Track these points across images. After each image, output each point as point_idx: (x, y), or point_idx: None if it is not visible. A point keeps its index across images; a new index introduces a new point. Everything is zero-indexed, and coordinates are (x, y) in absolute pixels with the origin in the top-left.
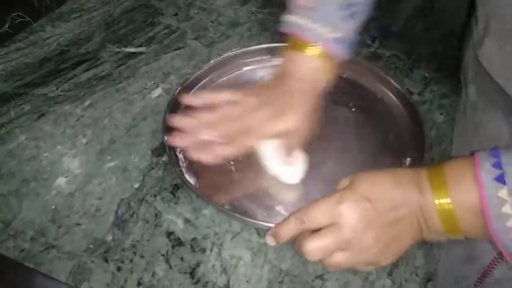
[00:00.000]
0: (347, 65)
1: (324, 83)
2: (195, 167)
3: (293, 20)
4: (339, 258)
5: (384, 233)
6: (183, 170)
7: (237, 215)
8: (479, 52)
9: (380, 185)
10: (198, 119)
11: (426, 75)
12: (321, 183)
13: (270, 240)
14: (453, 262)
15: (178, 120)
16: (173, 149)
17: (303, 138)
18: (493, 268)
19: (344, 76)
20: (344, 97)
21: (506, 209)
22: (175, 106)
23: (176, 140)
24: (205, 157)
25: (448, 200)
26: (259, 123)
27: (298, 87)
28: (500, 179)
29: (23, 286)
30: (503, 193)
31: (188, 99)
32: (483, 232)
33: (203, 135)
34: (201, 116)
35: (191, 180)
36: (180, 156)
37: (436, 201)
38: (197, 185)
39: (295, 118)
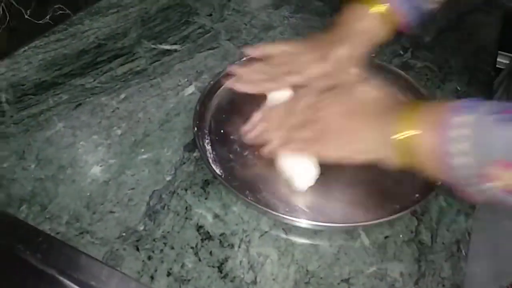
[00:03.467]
0: (378, 73)
1: (375, 41)
2: (221, 159)
3: None
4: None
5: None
6: (210, 160)
7: (258, 205)
8: None
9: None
10: (250, 67)
11: (458, 88)
12: (339, 184)
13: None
14: (472, 284)
15: (236, 68)
16: (202, 141)
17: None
18: None
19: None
20: None
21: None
22: (206, 99)
23: (231, 84)
24: (252, 88)
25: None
26: (301, 66)
27: (350, 36)
28: (460, 108)
29: (66, 265)
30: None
31: (251, 50)
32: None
33: (252, 77)
34: (253, 64)
35: (217, 170)
36: (208, 147)
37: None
38: (222, 176)
39: (334, 63)
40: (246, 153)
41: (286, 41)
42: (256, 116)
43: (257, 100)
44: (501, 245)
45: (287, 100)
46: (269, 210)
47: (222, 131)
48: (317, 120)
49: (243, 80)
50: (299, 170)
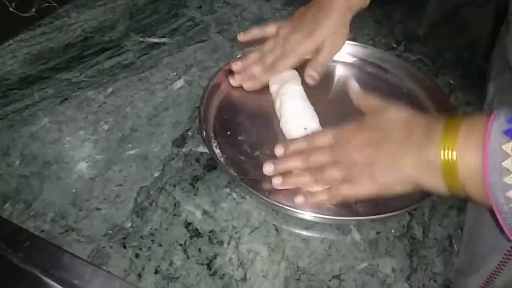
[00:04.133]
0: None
1: (355, 10)
2: (232, 162)
3: None
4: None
5: (371, 135)
6: (222, 164)
7: (265, 198)
8: (506, 39)
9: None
10: (247, 59)
11: (451, 81)
12: None
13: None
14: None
15: (234, 65)
16: (210, 145)
17: (332, 53)
18: (495, 278)
19: (369, 71)
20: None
21: (506, 164)
22: (207, 101)
23: (233, 81)
24: (252, 83)
25: (454, 154)
26: (293, 46)
27: (333, 5)
28: (509, 133)
29: (49, 264)
30: (507, 147)
31: (242, 36)
32: (481, 190)
33: (252, 70)
34: (249, 56)
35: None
36: (217, 151)
37: (442, 152)
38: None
39: (324, 33)
40: (257, 153)
41: (273, 22)
42: (278, 151)
43: (257, 94)
44: (480, 234)
45: (305, 139)
46: (273, 202)
47: (228, 132)
48: (342, 158)
49: (244, 77)
50: None
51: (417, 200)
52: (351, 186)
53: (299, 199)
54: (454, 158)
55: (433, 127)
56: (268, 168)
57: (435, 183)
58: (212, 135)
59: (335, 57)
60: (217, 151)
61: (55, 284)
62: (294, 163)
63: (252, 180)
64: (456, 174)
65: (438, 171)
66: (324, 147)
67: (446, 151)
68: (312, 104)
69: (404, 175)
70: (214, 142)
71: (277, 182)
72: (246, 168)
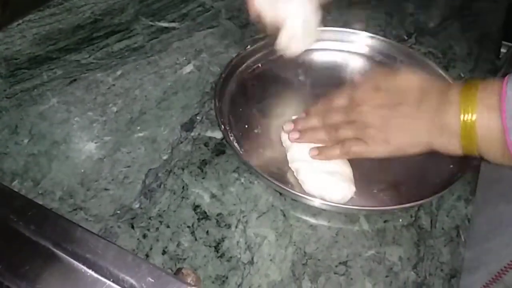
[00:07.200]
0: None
1: None
2: (251, 154)
3: None
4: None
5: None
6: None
7: (275, 182)
8: None
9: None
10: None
11: (461, 74)
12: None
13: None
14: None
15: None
16: (228, 138)
17: None
18: (504, 275)
19: (377, 60)
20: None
21: None
22: (221, 91)
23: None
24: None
25: (474, 117)
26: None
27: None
28: None
29: (61, 237)
30: None
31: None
32: (499, 148)
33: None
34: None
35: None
36: (235, 144)
37: (462, 116)
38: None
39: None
40: (275, 144)
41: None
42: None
43: (267, 88)
44: (493, 230)
45: (322, 102)
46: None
47: (246, 126)
48: (356, 118)
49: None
50: (332, 185)
51: (430, 194)
52: (364, 145)
53: (313, 151)
54: (474, 119)
55: (449, 92)
56: (288, 127)
57: (450, 144)
58: (228, 128)
59: (347, 48)
60: (235, 144)
61: (67, 258)
62: (312, 122)
63: (263, 167)
64: (474, 135)
65: (455, 133)
66: (340, 108)
67: (466, 115)
68: (324, 93)
69: (418, 138)
70: (231, 135)
71: (294, 136)
72: (266, 160)
